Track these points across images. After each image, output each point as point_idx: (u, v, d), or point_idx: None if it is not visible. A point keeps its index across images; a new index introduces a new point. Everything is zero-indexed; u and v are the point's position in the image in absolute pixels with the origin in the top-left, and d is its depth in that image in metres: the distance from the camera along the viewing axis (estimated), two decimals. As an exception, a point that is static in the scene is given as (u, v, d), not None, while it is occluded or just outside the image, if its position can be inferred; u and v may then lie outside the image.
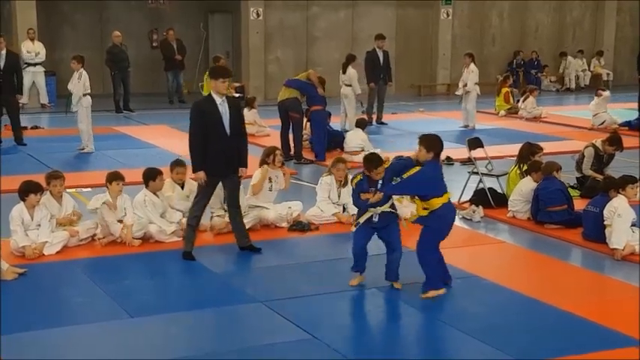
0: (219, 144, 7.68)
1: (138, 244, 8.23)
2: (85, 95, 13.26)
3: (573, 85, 24.52)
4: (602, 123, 16.25)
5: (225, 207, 8.44)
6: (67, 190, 8.84)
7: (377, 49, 16.98)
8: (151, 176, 8.55)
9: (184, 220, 8.63)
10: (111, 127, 16.12)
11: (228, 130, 7.72)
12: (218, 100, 7.71)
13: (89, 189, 10.51)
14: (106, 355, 5.73)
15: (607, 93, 16.90)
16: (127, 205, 8.39)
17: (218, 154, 7.70)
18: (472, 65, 16.79)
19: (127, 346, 5.89)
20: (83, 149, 13.46)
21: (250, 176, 8.94)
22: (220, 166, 7.76)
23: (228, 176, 7.89)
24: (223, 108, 7.71)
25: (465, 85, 16.72)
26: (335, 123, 15.01)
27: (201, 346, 5.89)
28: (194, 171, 7.78)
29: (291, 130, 13.10)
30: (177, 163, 9.06)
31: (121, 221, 8.29)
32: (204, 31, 22.40)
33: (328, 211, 9.20)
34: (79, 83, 13.20)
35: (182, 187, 8.94)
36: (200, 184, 7.81)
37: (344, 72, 15.92)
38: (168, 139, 14.89)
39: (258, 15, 20.77)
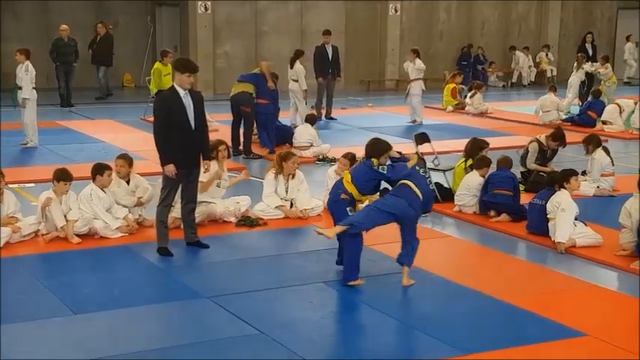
0: (185, 137, 7.63)
1: (77, 241, 8.10)
2: (32, 89, 13.05)
3: (524, 82, 24.78)
4: (551, 121, 16.42)
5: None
6: (10, 186, 8.67)
7: (325, 45, 17.00)
8: (99, 171, 8.44)
9: (130, 216, 8.55)
10: (55, 122, 15.87)
11: (192, 123, 7.67)
12: (181, 92, 7.65)
13: (32, 184, 10.33)
14: (47, 352, 5.63)
15: (557, 99, 16.97)
16: (71, 200, 8.27)
17: (184, 147, 7.65)
18: (417, 60, 16.88)
19: (70, 343, 5.80)
20: (27, 144, 13.24)
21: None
22: (186, 159, 7.71)
23: (190, 170, 7.84)
24: (187, 101, 7.65)
25: (411, 81, 16.78)
26: (284, 118, 14.98)
27: (147, 342, 5.83)
28: (162, 165, 7.68)
29: (243, 125, 13.05)
30: (118, 157, 8.96)
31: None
32: (151, 24, 22.15)
33: (273, 204, 9.19)
34: (27, 76, 12.98)
35: (128, 183, 8.83)
36: (169, 177, 7.70)
37: (291, 67, 15.88)
38: (114, 133, 14.72)
39: (206, 9, 20.62)
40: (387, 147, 7.18)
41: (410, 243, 6.96)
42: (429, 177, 7.16)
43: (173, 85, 7.78)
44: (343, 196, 7.06)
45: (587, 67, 18.75)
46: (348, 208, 7.06)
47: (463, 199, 9.56)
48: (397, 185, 7.02)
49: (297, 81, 15.73)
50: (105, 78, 19.71)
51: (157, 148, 7.70)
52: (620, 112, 15.85)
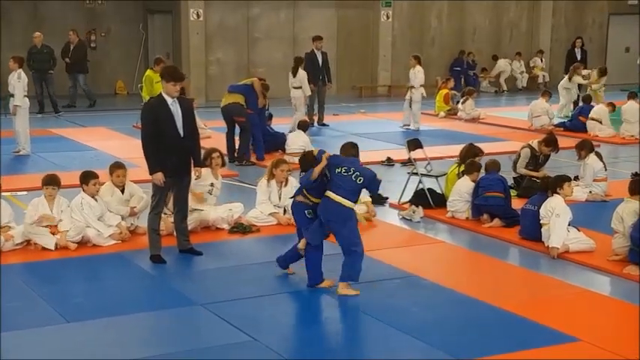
0: (173, 145, 7.62)
1: (74, 247, 8.09)
2: (23, 97, 13.04)
3: (505, 88, 24.75)
4: (542, 126, 16.44)
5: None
6: (3, 194, 8.65)
7: (315, 51, 17.00)
8: (84, 180, 8.44)
9: (123, 224, 8.53)
10: (48, 130, 15.83)
11: (181, 131, 7.66)
12: (169, 100, 7.64)
13: (25, 192, 10.30)
14: (41, 361, 5.62)
15: (547, 105, 16.95)
16: (63, 208, 8.25)
17: (172, 156, 7.64)
18: (418, 66, 16.89)
19: (63, 351, 5.79)
20: (19, 152, 13.21)
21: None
22: (174, 167, 7.70)
23: (181, 177, 7.83)
24: (175, 109, 7.64)
25: (412, 87, 16.77)
26: (283, 125, 14.96)
27: (140, 350, 5.82)
28: (151, 173, 7.67)
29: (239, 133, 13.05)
30: (117, 166, 8.92)
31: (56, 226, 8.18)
32: (143, 31, 22.15)
33: (266, 211, 9.19)
34: (19, 84, 12.97)
35: (122, 191, 8.80)
36: (157, 185, 7.69)
37: (294, 75, 15.88)
38: (107, 141, 14.69)
39: (198, 16, 20.64)
40: (310, 167, 7.11)
41: (349, 256, 6.93)
42: (358, 175, 6.97)
43: (161, 93, 7.78)
44: (299, 198, 7.23)
45: (579, 79, 18.78)
46: (306, 211, 7.17)
47: (456, 205, 9.57)
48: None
49: (300, 87, 15.75)
50: (86, 85, 19.66)
51: (144, 156, 7.69)
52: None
